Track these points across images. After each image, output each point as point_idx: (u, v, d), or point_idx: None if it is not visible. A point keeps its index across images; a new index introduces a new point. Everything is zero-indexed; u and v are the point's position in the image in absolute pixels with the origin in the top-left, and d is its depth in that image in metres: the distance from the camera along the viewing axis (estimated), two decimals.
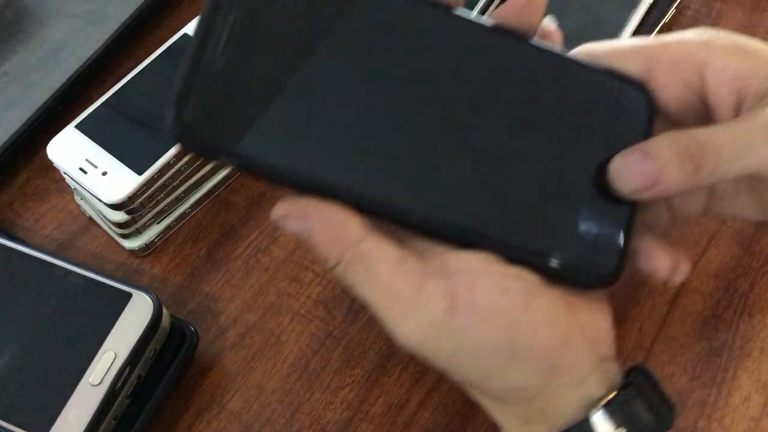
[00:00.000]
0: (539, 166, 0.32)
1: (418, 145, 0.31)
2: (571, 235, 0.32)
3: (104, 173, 0.46)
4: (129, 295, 0.42)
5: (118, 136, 0.48)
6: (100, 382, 0.40)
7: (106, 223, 0.49)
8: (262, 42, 0.30)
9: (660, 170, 0.30)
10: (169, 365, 0.42)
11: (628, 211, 0.32)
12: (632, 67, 0.33)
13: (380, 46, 0.31)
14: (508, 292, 0.30)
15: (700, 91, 0.33)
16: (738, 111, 0.33)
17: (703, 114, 0.34)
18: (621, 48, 0.34)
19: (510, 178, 0.31)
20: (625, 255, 0.32)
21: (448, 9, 0.32)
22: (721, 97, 0.33)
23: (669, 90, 0.34)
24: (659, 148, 0.31)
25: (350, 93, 0.30)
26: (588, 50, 0.35)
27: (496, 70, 0.32)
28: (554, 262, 0.31)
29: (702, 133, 0.31)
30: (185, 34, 0.52)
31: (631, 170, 0.31)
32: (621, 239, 0.32)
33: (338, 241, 0.29)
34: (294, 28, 0.30)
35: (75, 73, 0.54)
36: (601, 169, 0.32)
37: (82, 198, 0.50)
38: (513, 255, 0.31)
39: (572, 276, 0.32)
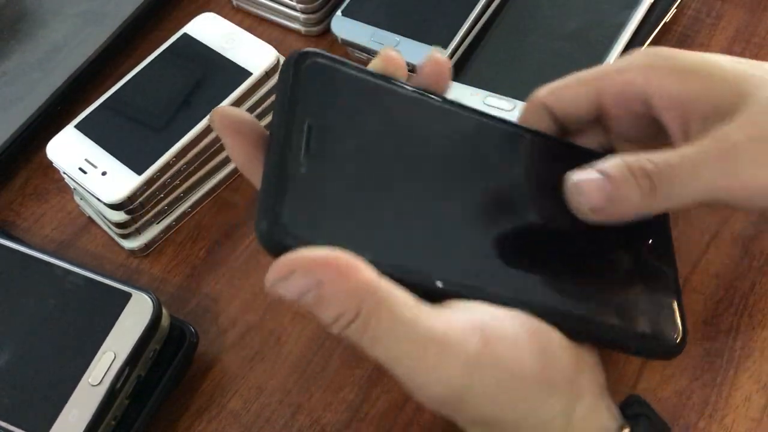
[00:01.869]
0: (586, 253, 0.34)
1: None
2: (636, 311, 0.33)
3: (104, 173, 0.46)
4: (128, 295, 0.42)
5: (117, 136, 0.48)
6: (99, 383, 0.39)
7: (105, 223, 0.49)
8: (332, 146, 0.31)
9: (617, 188, 0.30)
10: (169, 365, 0.42)
11: (673, 279, 0.34)
12: (584, 103, 0.34)
13: (410, 149, 0.33)
14: (525, 325, 0.30)
15: (652, 117, 0.34)
16: (687, 135, 0.33)
17: (662, 137, 0.34)
18: (571, 85, 0.35)
19: (568, 265, 0.33)
20: (685, 320, 0.34)
21: (460, 106, 0.35)
22: (669, 122, 0.33)
23: (622, 121, 0.34)
24: (615, 167, 0.31)
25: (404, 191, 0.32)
26: (542, 93, 0.36)
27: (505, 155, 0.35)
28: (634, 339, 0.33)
29: (656, 156, 0.31)
30: (185, 34, 0.52)
31: (589, 187, 0.31)
32: (677, 307, 0.34)
33: (356, 289, 0.26)
34: (353, 133, 0.32)
35: (74, 72, 0.54)
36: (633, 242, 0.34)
37: (82, 198, 0.50)
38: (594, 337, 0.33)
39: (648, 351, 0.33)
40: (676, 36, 0.53)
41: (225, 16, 0.52)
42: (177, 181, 0.48)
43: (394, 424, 0.41)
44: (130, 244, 0.48)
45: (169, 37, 0.52)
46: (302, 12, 0.56)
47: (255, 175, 0.30)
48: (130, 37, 0.57)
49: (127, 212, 0.46)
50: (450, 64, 0.35)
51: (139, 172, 0.46)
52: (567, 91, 0.35)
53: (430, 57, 0.34)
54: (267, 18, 0.58)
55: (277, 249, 0.27)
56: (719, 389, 0.40)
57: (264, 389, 0.43)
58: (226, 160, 0.50)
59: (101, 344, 0.40)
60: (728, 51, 0.52)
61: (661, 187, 0.30)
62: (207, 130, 0.48)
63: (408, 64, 0.51)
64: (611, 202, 0.31)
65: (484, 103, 0.48)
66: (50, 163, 0.48)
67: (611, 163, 0.31)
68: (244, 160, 0.31)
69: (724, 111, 0.31)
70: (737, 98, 0.31)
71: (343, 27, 0.54)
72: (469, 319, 0.28)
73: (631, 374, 0.41)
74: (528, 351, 0.29)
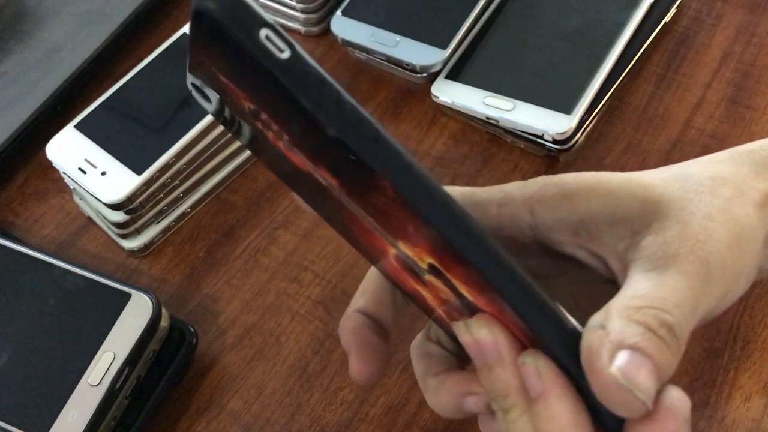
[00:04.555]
0: None
1: None
2: None
3: (103, 173, 0.46)
4: (128, 296, 0.42)
5: (117, 136, 0.48)
6: (99, 383, 0.39)
7: (105, 223, 0.49)
8: None
9: (656, 360, 0.24)
10: (168, 366, 0.42)
11: None
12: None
13: None
14: None
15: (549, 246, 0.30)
16: (601, 258, 0.29)
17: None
18: None
19: None
20: None
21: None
22: (572, 251, 0.29)
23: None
24: (638, 334, 0.24)
25: None
26: None
27: None
28: None
29: (657, 302, 0.25)
30: (184, 34, 0.51)
31: (637, 373, 0.24)
32: None
33: None
34: None
35: (74, 72, 0.54)
36: None
37: (81, 198, 0.50)
38: None
39: None
40: (676, 36, 0.53)
41: None
42: (176, 182, 0.48)
43: (393, 425, 0.41)
44: (129, 244, 0.48)
45: (168, 37, 0.52)
46: (302, 12, 0.56)
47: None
48: (129, 37, 0.57)
49: (127, 212, 0.46)
50: None
51: (139, 172, 0.46)
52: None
53: None
54: None
55: None
56: (719, 389, 0.40)
57: (264, 389, 0.43)
58: (226, 161, 0.50)
59: (101, 344, 0.40)
60: (729, 51, 0.52)
61: (683, 337, 0.25)
62: (206, 130, 0.48)
63: (408, 64, 0.52)
64: (659, 380, 0.24)
65: (484, 103, 0.48)
66: (50, 163, 0.48)
67: (629, 331, 0.24)
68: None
69: (637, 224, 0.28)
70: (646, 208, 0.28)
71: (343, 27, 0.54)
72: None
73: None
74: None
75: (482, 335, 0.25)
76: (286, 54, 0.21)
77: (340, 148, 0.23)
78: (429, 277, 0.26)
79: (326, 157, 0.24)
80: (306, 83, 0.22)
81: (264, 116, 0.24)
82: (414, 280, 0.28)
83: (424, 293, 0.28)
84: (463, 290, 0.25)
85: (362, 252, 0.30)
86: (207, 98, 0.26)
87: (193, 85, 0.26)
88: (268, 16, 0.22)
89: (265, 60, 0.21)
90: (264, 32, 0.21)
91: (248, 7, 0.21)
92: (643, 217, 0.27)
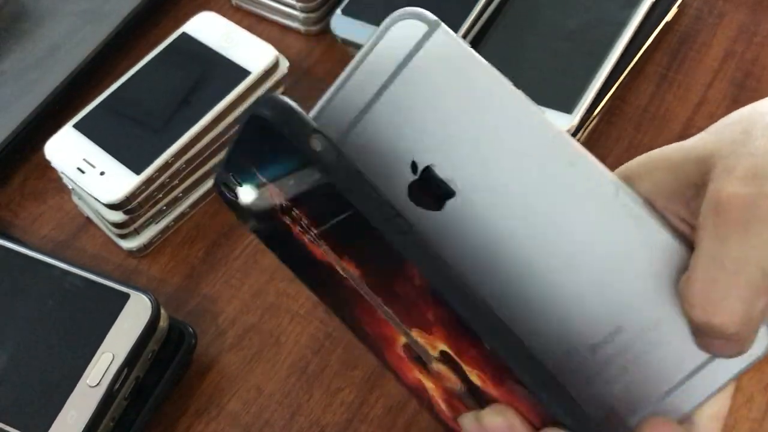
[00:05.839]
0: None
1: None
2: None
3: (102, 173, 0.46)
4: (127, 296, 0.41)
5: (116, 136, 0.48)
6: (98, 384, 0.39)
7: (104, 223, 0.48)
8: None
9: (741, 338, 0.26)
10: (168, 366, 0.42)
11: None
12: None
13: None
14: None
15: None
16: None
17: None
18: None
19: None
20: None
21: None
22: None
23: None
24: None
25: None
26: None
27: None
28: None
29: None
30: (183, 33, 0.51)
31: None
32: None
33: None
34: None
35: (73, 72, 0.54)
36: None
37: (80, 198, 0.50)
38: None
39: None
40: (677, 35, 0.53)
41: (224, 15, 0.52)
42: (175, 181, 0.48)
43: (393, 426, 0.41)
44: (128, 244, 0.48)
45: (167, 36, 0.52)
46: (301, 11, 0.56)
47: None
48: (128, 36, 0.57)
49: (126, 212, 0.46)
50: None
51: (138, 172, 0.46)
52: None
53: None
54: (266, 17, 0.58)
55: None
56: None
57: (263, 390, 0.43)
58: None
59: (99, 345, 0.40)
60: (730, 50, 0.52)
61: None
62: (206, 130, 0.47)
63: None
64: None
65: None
66: (48, 162, 0.48)
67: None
68: None
69: (700, 181, 0.28)
70: (702, 165, 0.28)
71: (343, 26, 0.53)
72: None
73: None
74: None
75: (496, 422, 0.26)
76: (331, 155, 0.25)
77: (373, 240, 0.25)
78: (437, 366, 0.28)
79: (356, 247, 0.27)
80: (348, 180, 0.25)
81: (296, 212, 0.27)
82: (419, 370, 0.29)
83: (428, 384, 0.29)
84: (474, 376, 0.27)
85: (365, 342, 0.31)
86: (234, 195, 0.28)
87: (224, 182, 0.28)
88: (316, 125, 0.25)
89: (312, 158, 0.25)
90: (314, 137, 0.25)
91: (300, 116, 0.25)
92: (704, 171, 0.27)
